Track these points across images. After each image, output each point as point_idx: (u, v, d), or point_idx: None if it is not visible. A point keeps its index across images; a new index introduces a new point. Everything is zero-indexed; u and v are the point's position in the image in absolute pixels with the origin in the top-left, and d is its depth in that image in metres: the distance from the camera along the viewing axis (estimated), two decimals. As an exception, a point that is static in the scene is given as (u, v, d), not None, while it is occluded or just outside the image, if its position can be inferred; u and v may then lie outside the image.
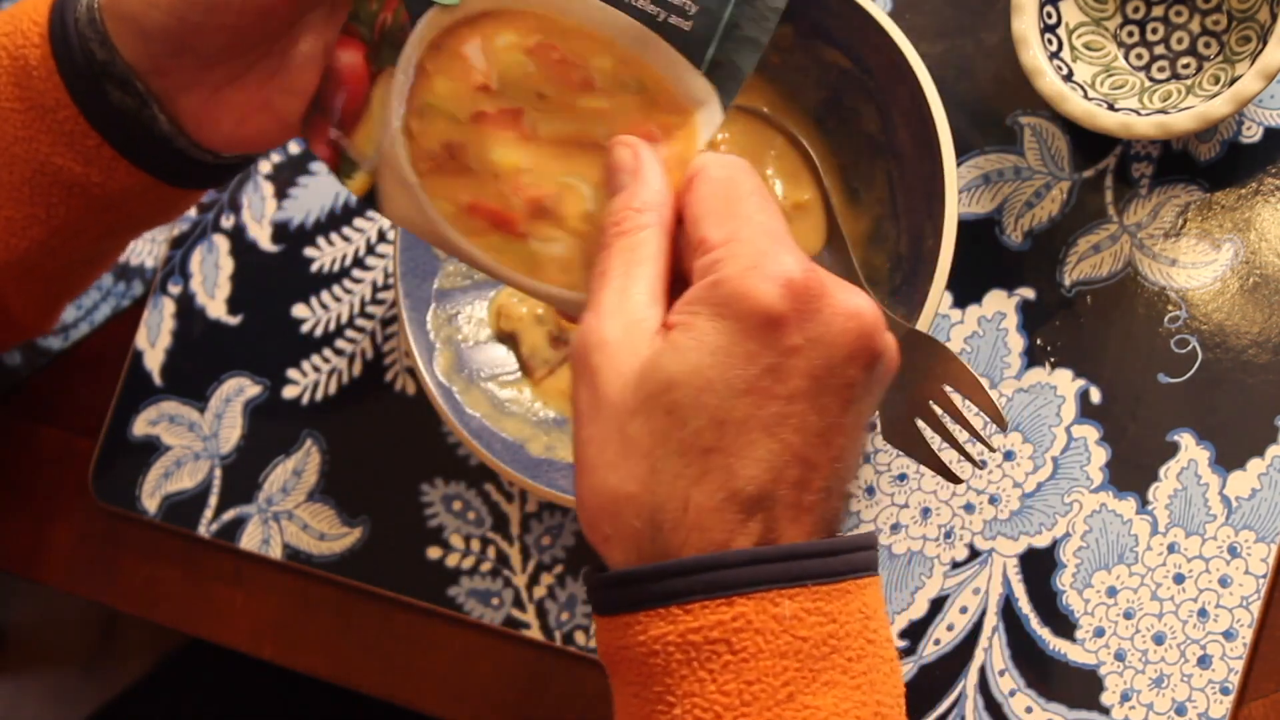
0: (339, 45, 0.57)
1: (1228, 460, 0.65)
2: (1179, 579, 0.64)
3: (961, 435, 0.65)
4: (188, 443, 0.78)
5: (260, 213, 0.80)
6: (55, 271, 0.64)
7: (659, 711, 0.47)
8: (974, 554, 0.67)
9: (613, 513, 0.47)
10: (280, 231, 0.79)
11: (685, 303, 0.48)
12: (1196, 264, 0.67)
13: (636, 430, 0.47)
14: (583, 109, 0.53)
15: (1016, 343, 0.68)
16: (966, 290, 0.69)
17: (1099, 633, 0.65)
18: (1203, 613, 0.64)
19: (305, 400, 0.77)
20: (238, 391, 0.78)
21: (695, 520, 0.47)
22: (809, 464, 0.47)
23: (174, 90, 0.58)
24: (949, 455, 0.66)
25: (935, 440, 0.64)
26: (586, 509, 0.48)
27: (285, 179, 0.80)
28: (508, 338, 0.72)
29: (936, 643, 0.66)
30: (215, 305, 0.79)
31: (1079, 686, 0.65)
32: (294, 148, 0.80)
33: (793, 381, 0.47)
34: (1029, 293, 0.68)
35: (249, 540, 0.76)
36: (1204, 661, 0.63)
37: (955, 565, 0.67)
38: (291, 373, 0.77)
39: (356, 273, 0.77)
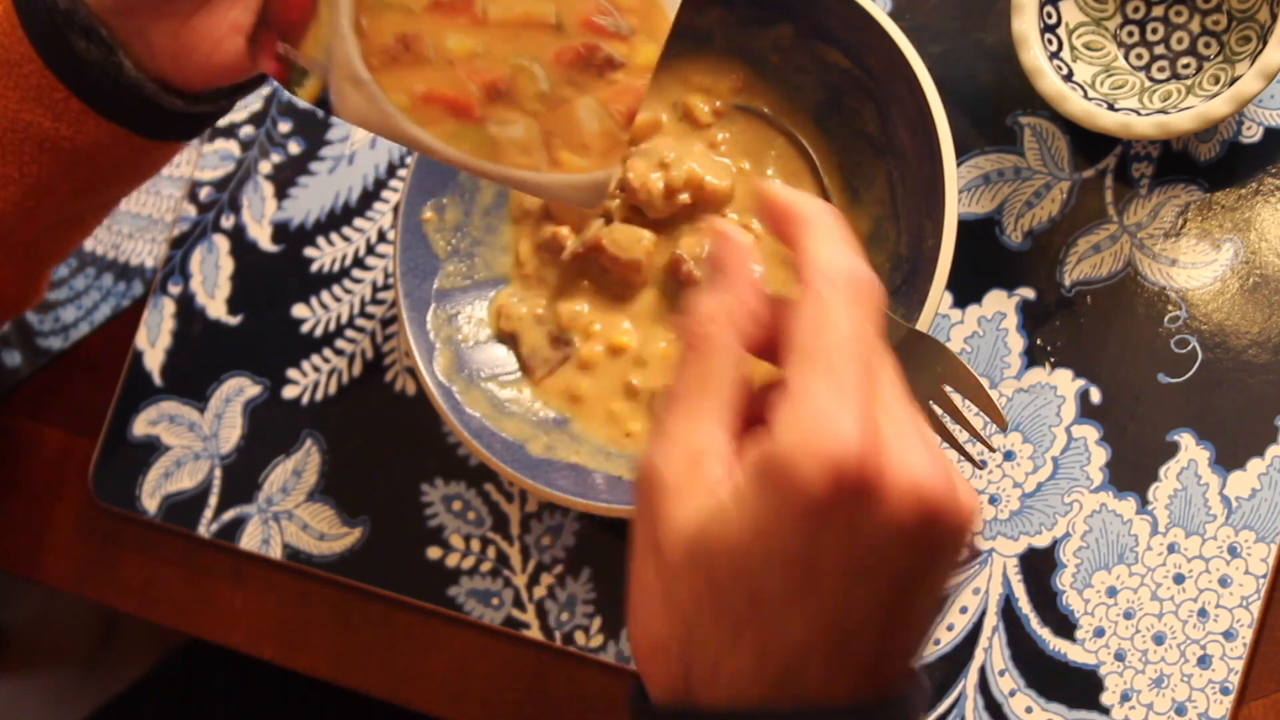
0: None
1: (1228, 460, 0.65)
2: (1179, 579, 0.64)
3: (961, 435, 0.65)
4: (188, 443, 0.78)
5: (260, 213, 0.80)
6: (36, 236, 0.64)
7: None
8: (974, 554, 0.67)
9: (652, 657, 0.46)
10: (280, 231, 0.79)
11: (748, 462, 0.44)
12: (1196, 264, 0.67)
13: (680, 591, 0.45)
14: None
15: (1016, 343, 0.68)
16: (966, 290, 0.69)
17: (1099, 633, 0.65)
18: (1203, 613, 0.64)
19: (305, 400, 0.77)
20: (238, 391, 0.78)
21: (726, 682, 0.45)
22: (848, 635, 0.45)
23: (144, 26, 0.58)
24: (949, 455, 0.66)
25: (935, 440, 0.64)
26: (635, 643, 0.47)
27: (285, 179, 0.80)
28: (508, 338, 0.72)
29: (936, 643, 0.66)
30: (215, 305, 0.79)
31: (1079, 686, 0.65)
32: (294, 148, 0.80)
33: (832, 561, 0.44)
34: (1029, 293, 0.68)
35: (249, 540, 0.76)
36: (1204, 661, 0.63)
37: (955, 565, 0.67)
38: (291, 373, 0.77)
39: (356, 273, 0.77)
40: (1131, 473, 0.66)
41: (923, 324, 0.62)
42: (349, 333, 0.77)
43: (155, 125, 0.61)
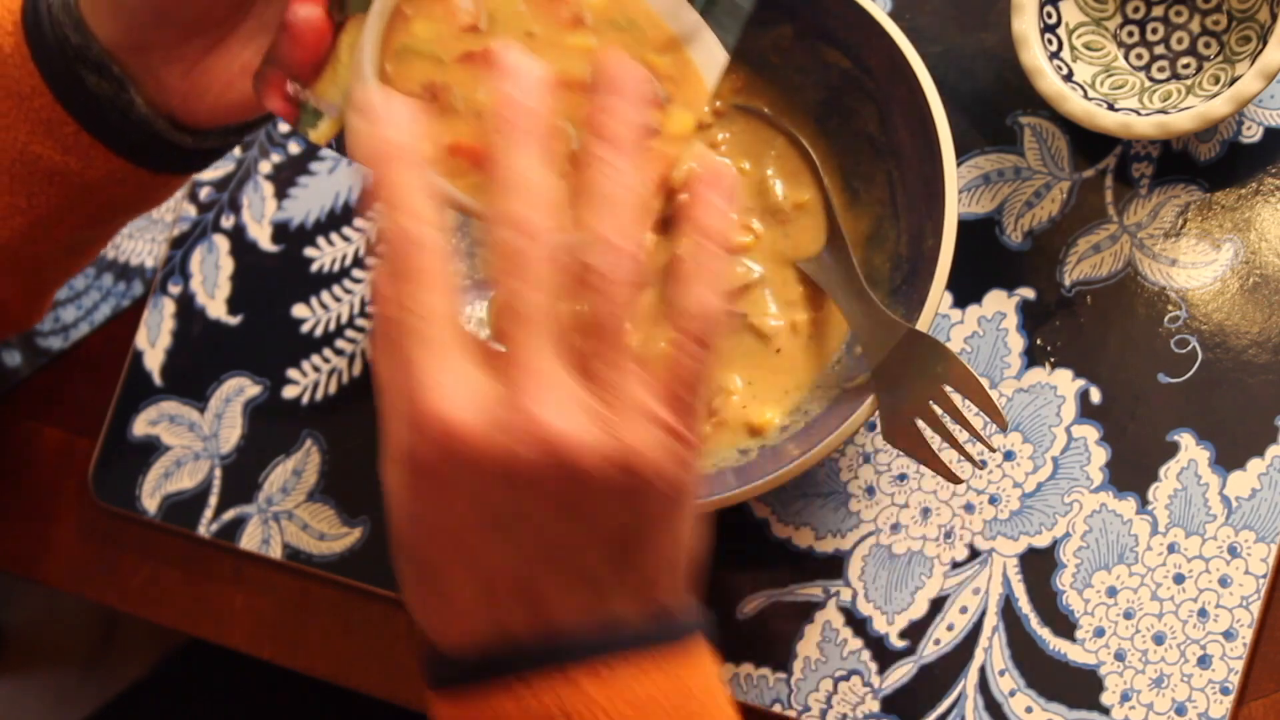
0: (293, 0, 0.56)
1: (1228, 460, 0.65)
2: (1179, 579, 0.64)
3: (962, 435, 0.65)
4: (188, 443, 0.78)
5: (260, 213, 0.80)
6: (39, 260, 0.64)
7: None
8: (974, 554, 0.67)
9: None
10: (280, 231, 0.79)
11: None
12: (1196, 264, 0.67)
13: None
14: (571, 46, 0.53)
15: (1016, 343, 0.68)
16: (966, 290, 0.69)
17: (1099, 633, 0.65)
18: (1203, 613, 0.64)
19: (305, 400, 0.77)
20: (238, 391, 0.78)
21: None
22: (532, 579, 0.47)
23: (156, 65, 0.58)
24: (949, 455, 0.66)
25: (935, 440, 0.64)
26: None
27: (285, 179, 0.80)
28: (508, 338, 0.72)
29: (936, 643, 0.66)
30: (215, 305, 0.79)
31: (1079, 686, 0.65)
32: (294, 148, 0.80)
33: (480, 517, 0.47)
34: (1029, 293, 0.68)
35: (249, 540, 0.76)
36: (1204, 661, 0.63)
37: (955, 565, 0.67)
38: (291, 373, 0.77)
39: (356, 273, 0.77)
40: (1131, 473, 0.66)
41: (923, 324, 0.62)
42: (349, 333, 0.77)
43: (163, 160, 0.61)
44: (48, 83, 0.58)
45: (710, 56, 0.51)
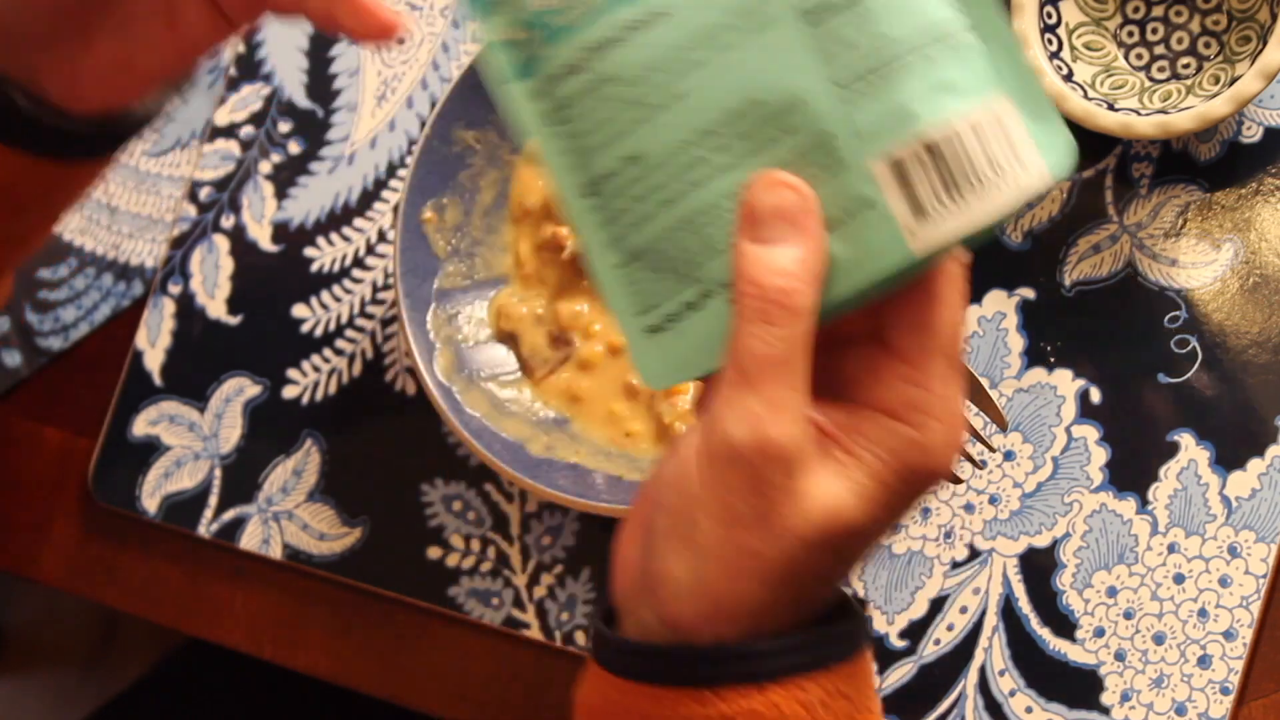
0: None
1: (1228, 460, 0.65)
2: (1179, 579, 0.64)
3: (961, 435, 0.65)
4: (188, 443, 0.78)
5: (260, 213, 0.80)
6: None
7: None
8: (974, 554, 0.67)
9: (714, 615, 0.46)
10: (280, 231, 0.79)
11: (875, 443, 0.45)
12: (1196, 264, 0.67)
13: (805, 564, 0.45)
14: None
15: (1016, 343, 0.68)
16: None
17: (1099, 633, 0.65)
18: (1203, 613, 0.64)
19: (305, 400, 0.77)
20: (238, 391, 0.78)
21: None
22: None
23: (28, 71, 0.58)
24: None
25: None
26: (690, 596, 0.46)
27: (285, 179, 0.80)
28: (508, 338, 0.72)
29: (936, 643, 0.66)
30: (215, 305, 0.79)
31: (1079, 686, 0.65)
32: (294, 148, 0.80)
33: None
34: (1029, 293, 0.68)
35: (249, 540, 0.76)
36: (1204, 661, 0.63)
37: (955, 565, 0.67)
38: (291, 373, 0.77)
39: (356, 273, 0.77)
40: (1131, 473, 0.66)
41: (923, 324, 0.62)
42: (349, 333, 0.77)
43: (65, 148, 0.61)
44: None
45: None
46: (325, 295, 0.78)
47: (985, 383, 0.68)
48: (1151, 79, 0.68)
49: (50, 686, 1.42)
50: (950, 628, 0.66)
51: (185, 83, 0.63)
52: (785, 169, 0.43)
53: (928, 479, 0.45)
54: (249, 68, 0.81)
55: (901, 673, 0.67)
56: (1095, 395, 0.67)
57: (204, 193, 0.81)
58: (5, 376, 0.83)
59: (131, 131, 0.63)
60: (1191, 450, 0.65)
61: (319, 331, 0.77)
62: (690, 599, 0.46)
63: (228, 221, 0.80)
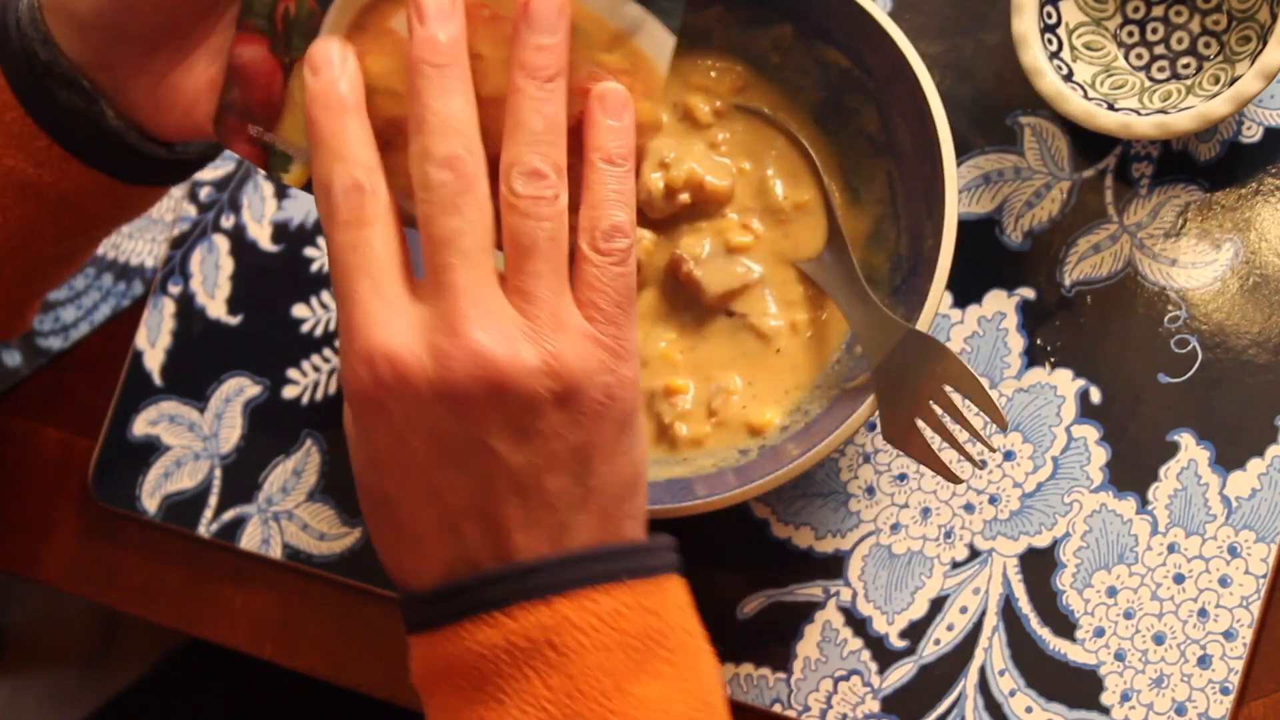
0: (236, 42, 0.55)
1: (1228, 460, 0.65)
2: (1179, 579, 0.64)
3: (962, 435, 0.65)
4: (188, 443, 0.78)
5: (260, 213, 0.80)
6: (18, 274, 0.64)
7: (490, 710, 0.48)
8: (974, 554, 0.67)
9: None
10: (280, 231, 0.79)
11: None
12: (1196, 264, 0.67)
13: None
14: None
15: (1016, 343, 0.68)
16: (966, 290, 0.69)
17: (1099, 633, 0.65)
18: (1203, 613, 0.64)
19: (305, 400, 0.77)
20: (238, 391, 0.78)
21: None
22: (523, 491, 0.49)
23: (121, 82, 0.58)
24: (949, 455, 0.66)
25: (935, 440, 0.64)
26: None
27: (285, 179, 0.80)
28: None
29: (936, 643, 0.66)
30: (215, 305, 0.79)
31: (1079, 686, 0.65)
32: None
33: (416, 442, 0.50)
34: (1029, 293, 0.68)
35: (249, 540, 0.76)
36: (1204, 661, 0.63)
37: (955, 565, 0.67)
38: (291, 373, 0.77)
39: (356, 273, 0.77)
40: (1131, 473, 0.66)
41: (923, 324, 0.62)
42: (349, 333, 0.77)
43: (138, 172, 0.61)
44: (17, 96, 0.58)
45: (658, 43, 0.52)
46: (325, 295, 0.78)
47: (985, 382, 0.68)
48: (1151, 79, 0.68)
49: (50, 686, 1.42)
50: (950, 628, 0.66)
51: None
52: None
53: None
54: (249, 68, 0.81)
55: (901, 673, 0.67)
56: (1095, 395, 0.67)
57: (204, 192, 0.81)
58: (5, 376, 0.83)
59: (203, 162, 0.63)
60: (1191, 450, 0.65)
61: (319, 331, 0.77)
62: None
63: (228, 221, 0.80)
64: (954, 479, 0.62)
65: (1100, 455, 0.66)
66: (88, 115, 0.58)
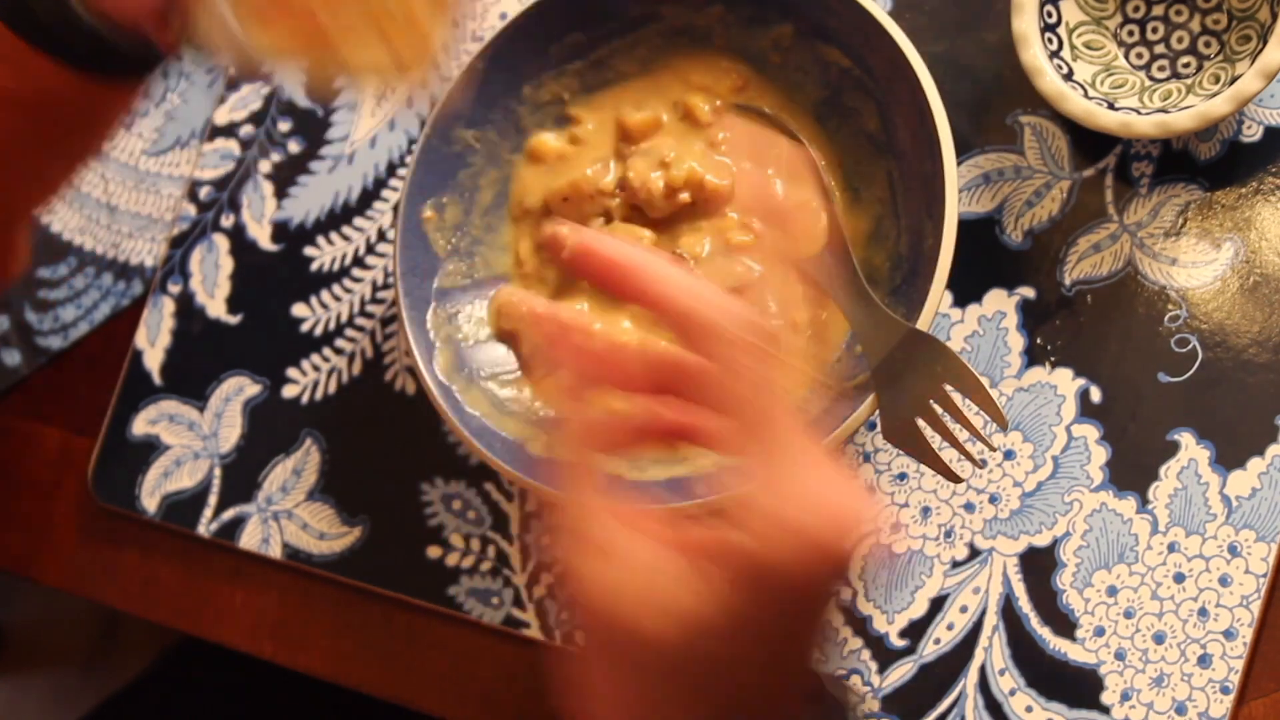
0: None
1: (1228, 459, 0.65)
2: (1179, 578, 0.64)
3: (962, 434, 0.65)
4: (187, 442, 0.78)
5: (260, 212, 0.80)
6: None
7: None
8: (974, 553, 0.67)
9: None
10: (280, 231, 0.79)
11: (724, 562, 0.46)
12: (1197, 263, 0.67)
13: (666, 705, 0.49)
14: None
15: (1016, 342, 0.68)
16: (966, 289, 0.69)
17: (1099, 632, 0.65)
18: (1203, 612, 0.64)
19: (305, 400, 0.77)
20: (237, 391, 0.78)
21: None
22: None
23: None
24: (949, 454, 0.66)
25: (936, 439, 0.64)
26: None
27: (285, 178, 0.80)
28: (508, 337, 0.72)
29: (936, 642, 0.66)
30: (215, 304, 0.79)
31: (1079, 686, 0.65)
32: (294, 147, 0.80)
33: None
34: (1029, 292, 0.68)
35: (248, 539, 0.76)
36: (1204, 660, 0.63)
37: (955, 564, 0.67)
38: (291, 372, 0.77)
39: (356, 272, 0.77)
40: (1131, 472, 0.66)
41: (923, 324, 0.62)
42: (349, 332, 0.77)
43: (103, 62, 0.60)
44: None
45: None
46: (325, 294, 0.78)
47: (985, 382, 0.68)
48: (1152, 78, 0.68)
49: (50, 686, 1.42)
50: (950, 627, 0.66)
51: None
52: None
53: (770, 579, 0.45)
54: (249, 67, 0.81)
55: (901, 672, 0.67)
56: (1095, 394, 0.67)
57: (204, 192, 0.81)
58: (5, 376, 0.83)
59: (156, 60, 0.63)
60: (1192, 449, 0.65)
61: (319, 331, 0.77)
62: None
63: (227, 221, 0.80)
64: (954, 478, 0.62)
65: (1100, 454, 0.66)
66: (52, 6, 0.58)
